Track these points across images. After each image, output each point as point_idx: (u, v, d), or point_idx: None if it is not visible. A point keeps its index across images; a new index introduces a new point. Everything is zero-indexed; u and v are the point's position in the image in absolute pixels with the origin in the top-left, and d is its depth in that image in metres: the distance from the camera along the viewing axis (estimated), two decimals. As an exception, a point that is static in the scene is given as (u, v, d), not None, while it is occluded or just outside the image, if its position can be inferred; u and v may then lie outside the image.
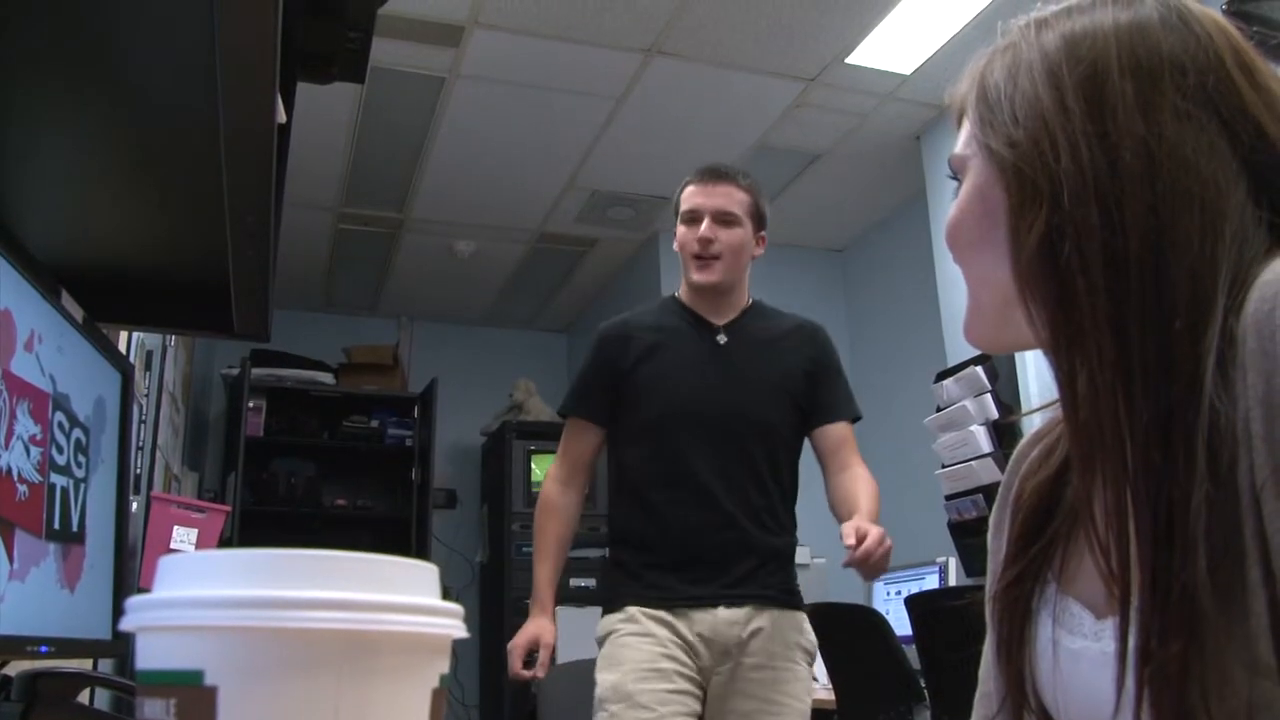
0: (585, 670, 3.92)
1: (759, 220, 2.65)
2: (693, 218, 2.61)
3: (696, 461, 2.53)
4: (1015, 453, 1.07)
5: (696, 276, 2.60)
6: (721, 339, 2.63)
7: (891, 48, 4.29)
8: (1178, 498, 0.74)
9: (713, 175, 2.63)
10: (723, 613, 2.45)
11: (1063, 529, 0.94)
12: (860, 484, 2.53)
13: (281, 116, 1.22)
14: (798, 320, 2.74)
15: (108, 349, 1.47)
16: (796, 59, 4.34)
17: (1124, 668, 0.77)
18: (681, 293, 2.72)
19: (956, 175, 0.95)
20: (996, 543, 1.06)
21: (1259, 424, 0.73)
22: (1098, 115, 0.82)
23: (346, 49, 1.48)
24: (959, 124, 0.96)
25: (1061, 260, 0.81)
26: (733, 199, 2.60)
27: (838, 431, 2.62)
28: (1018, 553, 0.96)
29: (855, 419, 2.68)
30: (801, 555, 3.08)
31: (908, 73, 4.46)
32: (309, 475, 6.57)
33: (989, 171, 0.88)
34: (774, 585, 2.52)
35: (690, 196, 2.64)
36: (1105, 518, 0.80)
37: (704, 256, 2.59)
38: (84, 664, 1.50)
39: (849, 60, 4.37)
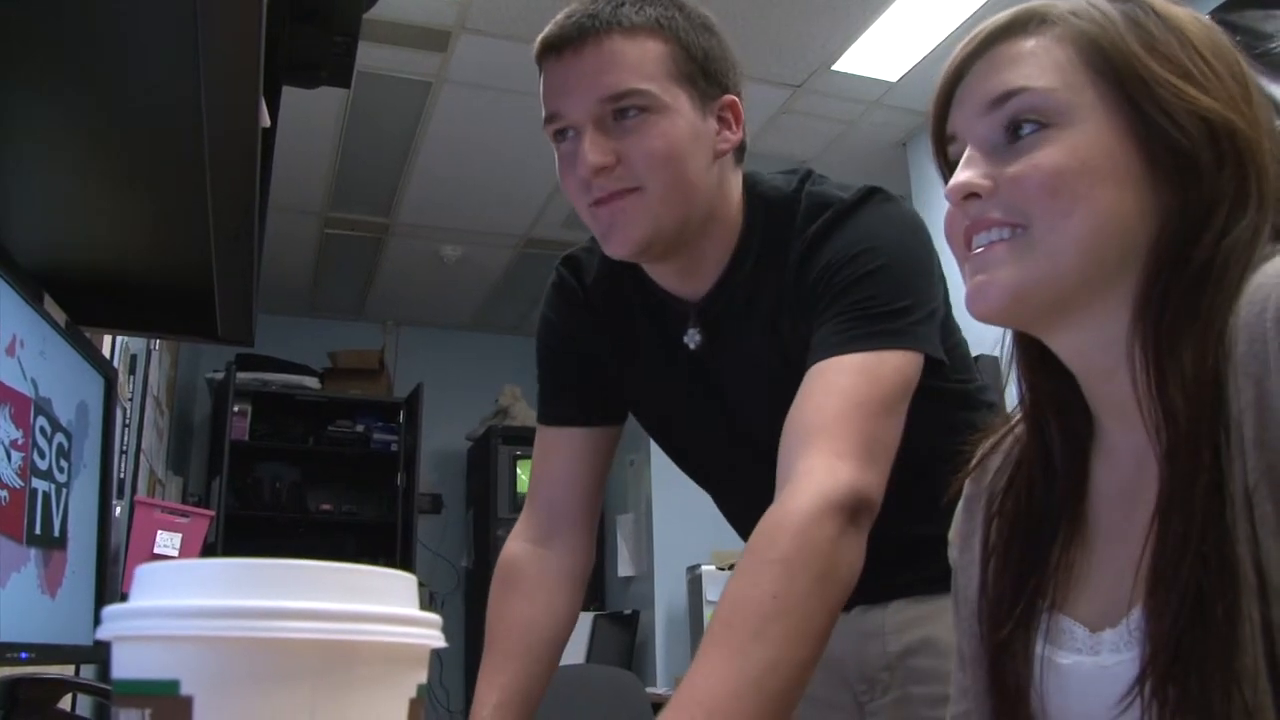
0: (571, 676, 3.90)
1: (703, 77, 1.30)
2: (561, 130, 1.32)
3: (730, 488, 1.56)
4: (973, 464, 1.05)
5: (609, 248, 1.33)
6: (692, 340, 1.40)
7: (878, 55, 4.30)
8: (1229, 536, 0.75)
9: (576, 30, 1.28)
10: (855, 618, 1.43)
11: (1064, 558, 0.93)
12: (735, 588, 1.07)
13: (265, 121, 1.22)
14: (809, 218, 1.33)
15: (91, 353, 1.47)
16: (783, 66, 4.35)
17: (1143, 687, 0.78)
18: None
19: (1034, 117, 0.85)
20: (966, 556, 1.03)
21: (1250, 428, 0.73)
22: (1270, 143, 0.84)
23: (332, 54, 1.48)
24: (996, 39, 0.89)
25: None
26: (624, 61, 1.26)
27: (801, 395, 1.20)
28: (1015, 593, 0.94)
29: (860, 348, 1.20)
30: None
31: (894, 80, 4.47)
32: (294, 480, 6.55)
33: (1133, 130, 0.83)
34: (929, 568, 1.25)
35: (548, 81, 1.33)
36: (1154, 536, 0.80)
37: (602, 200, 1.28)
38: (65, 670, 1.49)
39: (835, 67, 4.38)
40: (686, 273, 1.38)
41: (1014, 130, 0.85)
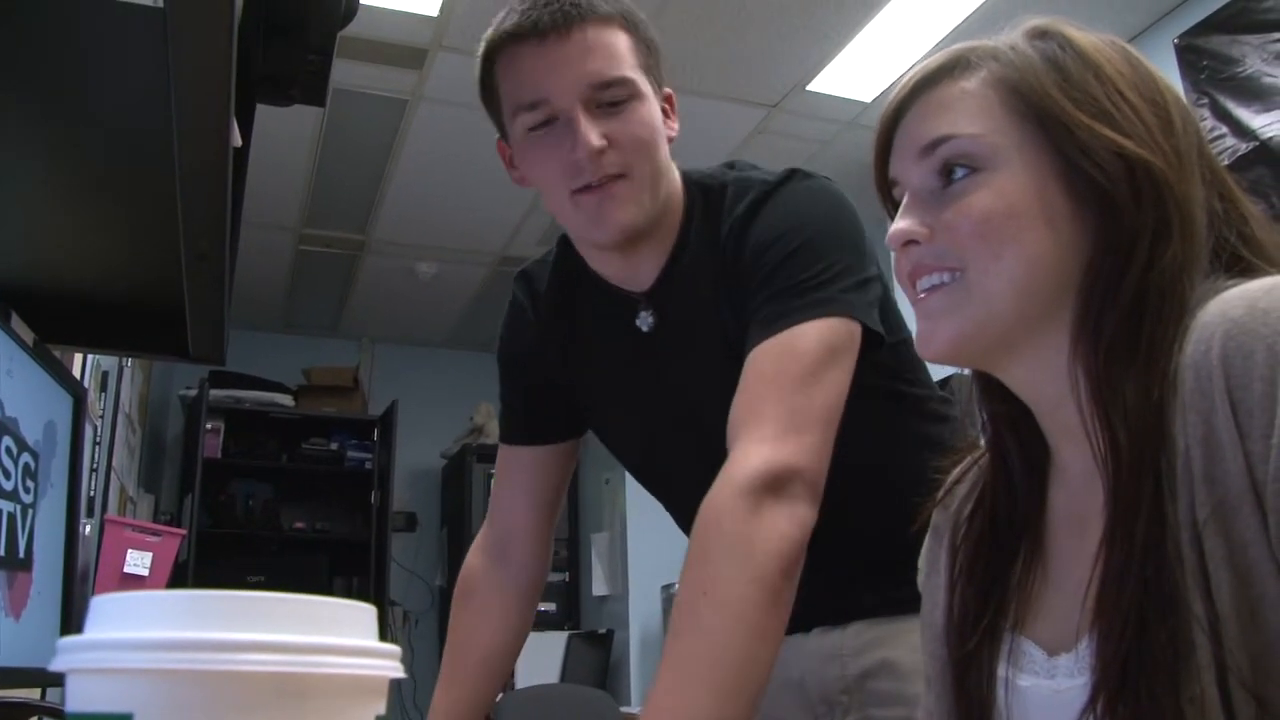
0: (546, 695, 3.89)
1: (656, 68, 1.35)
2: (548, 115, 1.28)
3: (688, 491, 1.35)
4: (941, 493, 1.06)
5: (599, 233, 1.33)
6: (645, 322, 1.42)
7: (852, 75, 4.32)
8: (1172, 555, 0.76)
9: (561, 17, 1.26)
10: (815, 639, 1.44)
11: (1024, 576, 0.94)
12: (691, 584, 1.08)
13: (237, 140, 1.21)
14: (735, 201, 1.37)
15: (59, 372, 1.46)
16: (758, 86, 4.36)
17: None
18: (579, 244, 1.45)
19: (963, 161, 0.88)
20: (933, 581, 1.05)
21: (1199, 463, 0.75)
22: (1196, 167, 0.86)
23: (306, 71, 1.47)
24: (926, 86, 0.91)
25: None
26: (607, 49, 1.28)
27: (749, 374, 1.20)
28: (979, 609, 0.95)
29: (810, 317, 1.20)
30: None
31: (868, 100, 4.49)
32: (267, 498, 6.51)
33: (1056, 170, 0.85)
34: (889, 590, 1.32)
35: (526, 68, 1.28)
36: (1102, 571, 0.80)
37: (590, 188, 1.28)
38: (30, 694, 1.47)
39: (810, 87, 4.40)
40: (638, 260, 1.40)
41: (947, 175, 0.89)
